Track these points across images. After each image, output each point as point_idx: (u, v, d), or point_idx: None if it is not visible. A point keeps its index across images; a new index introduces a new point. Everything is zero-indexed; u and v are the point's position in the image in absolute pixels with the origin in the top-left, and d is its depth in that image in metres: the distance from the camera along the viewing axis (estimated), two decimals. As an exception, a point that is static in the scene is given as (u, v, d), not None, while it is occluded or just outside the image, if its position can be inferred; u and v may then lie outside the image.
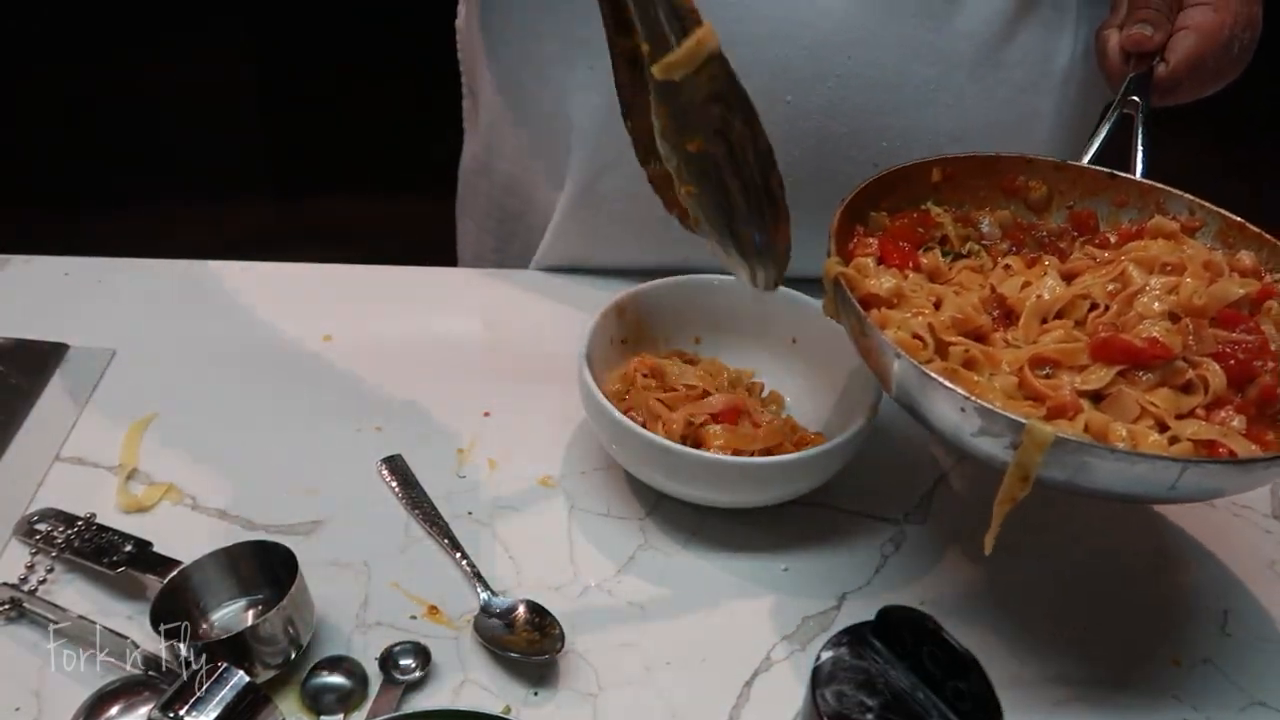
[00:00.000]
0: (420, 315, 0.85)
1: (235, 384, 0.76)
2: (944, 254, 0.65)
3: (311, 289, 0.86)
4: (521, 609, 0.61)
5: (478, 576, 0.63)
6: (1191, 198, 0.67)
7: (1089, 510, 0.71)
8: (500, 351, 0.82)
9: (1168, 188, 0.67)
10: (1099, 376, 0.55)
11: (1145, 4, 0.71)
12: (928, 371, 0.52)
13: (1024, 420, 0.50)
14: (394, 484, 0.69)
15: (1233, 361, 0.55)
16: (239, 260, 0.88)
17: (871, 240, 0.64)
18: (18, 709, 0.55)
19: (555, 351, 0.79)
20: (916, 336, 0.57)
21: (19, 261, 0.86)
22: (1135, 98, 0.68)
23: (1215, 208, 0.66)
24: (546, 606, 0.61)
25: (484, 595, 0.62)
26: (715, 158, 0.51)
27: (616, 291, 0.74)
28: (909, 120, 0.77)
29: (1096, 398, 0.55)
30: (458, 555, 0.64)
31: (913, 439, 0.76)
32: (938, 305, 0.59)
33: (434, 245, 1.09)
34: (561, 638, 0.59)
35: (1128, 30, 0.70)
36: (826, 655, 0.47)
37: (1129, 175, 0.68)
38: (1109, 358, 0.55)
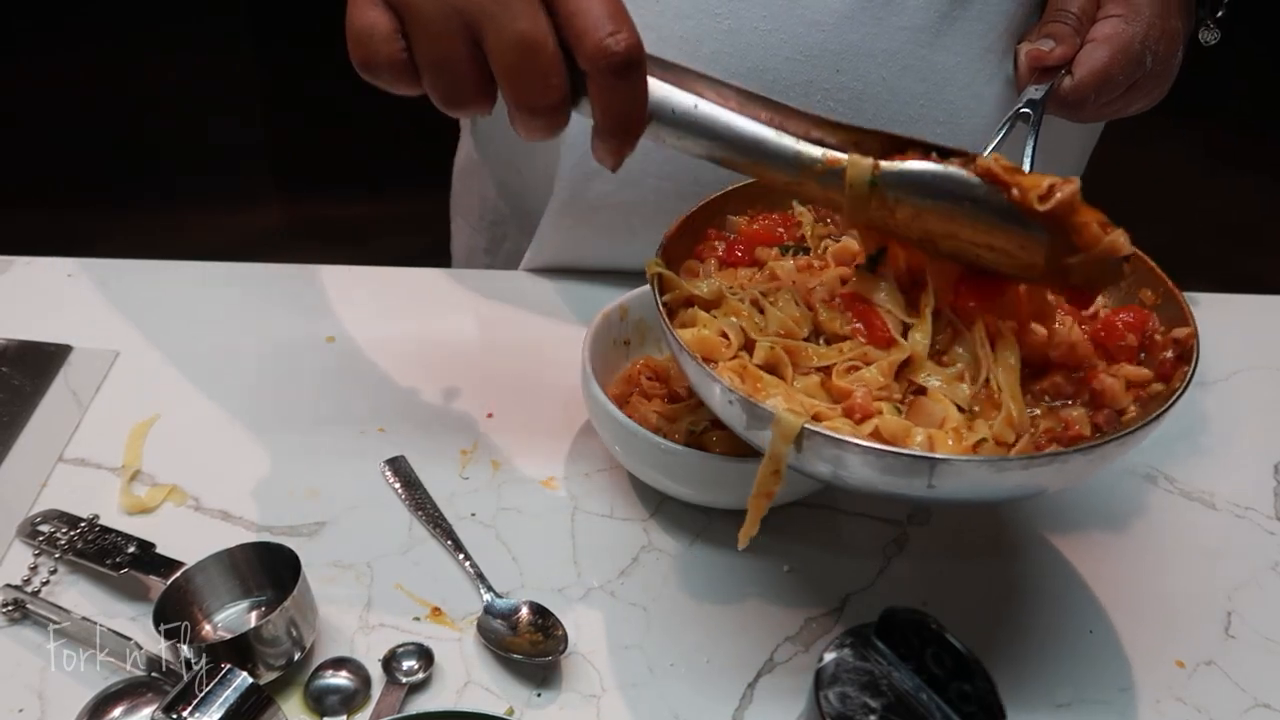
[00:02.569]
0: (424, 316, 0.85)
1: (238, 385, 0.76)
2: (786, 250, 0.65)
3: (315, 290, 0.86)
4: (525, 610, 0.61)
5: (481, 578, 0.63)
6: None
7: (1090, 511, 0.71)
8: (503, 353, 0.82)
9: None
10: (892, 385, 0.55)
11: (1056, 17, 0.69)
12: (701, 364, 0.53)
13: (772, 410, 0.50)
14: (397, 485, 0.69)
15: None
16: (242, 262, 0.88)
17: (719, 244, 0.65)
18: (21, 710, 0.55)
19: (557, 353, 0.79)
20: (723, 334, 0.57)
21: (22, 263, 0.87)
22: (1026, 109, 0.67)
23: None
24: (550, 608, 0.61)
25: (487, 596, 0.62)
26: None
27: (618, 293, 0.74)
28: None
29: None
30: (461, 556, 0.65)
31: (915, 440, 0.76)
32: (760, 309, 0.59)
33: (438, 246, 1.09)
34: (565, 639, 0.59)
35: (1029, 45, 0.69)
36: (830, 656, 0.47)
37: None
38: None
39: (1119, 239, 0.51)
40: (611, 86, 0.48)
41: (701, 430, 0.67)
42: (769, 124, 0.53)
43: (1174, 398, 0.53)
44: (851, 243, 0.62)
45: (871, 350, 0.56)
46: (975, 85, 0.77)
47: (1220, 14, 0.75)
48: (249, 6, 3.01)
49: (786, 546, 0.67)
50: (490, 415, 0.75)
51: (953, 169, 0.52)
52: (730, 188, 0.66)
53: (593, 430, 0.72)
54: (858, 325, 0.57)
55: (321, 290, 0.87)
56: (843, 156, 0.53)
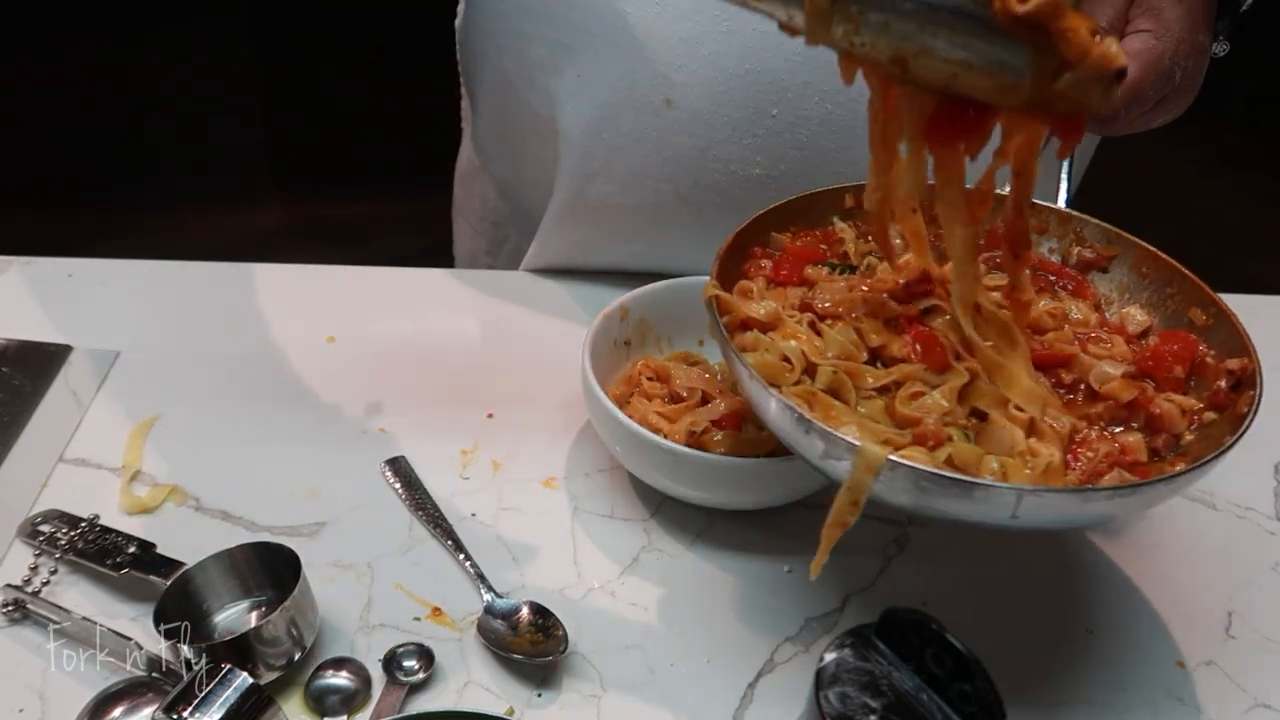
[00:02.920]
0: (424, 317, 0.85)
1: (239, 386, 0.76)
2: (834, 269, 0.64)
3: (315, 291, 0.86)
4: (525, 610, 0.61)
5: (481, 578, 0.63)
6: (1109, 227, 0.66)
7: (1092, 512, 0.71)
8: (503, 353, 0.82)
9: (1086, 217, 0.67)
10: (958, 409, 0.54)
11: None
12: (773, 392, 0.52)
13: (856, 442, 0.49)
14: (397, 485, 0.69)
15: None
16: (243, 262, 0.88)
17: (766, 262, 0.64)
18: (21, 710, 0.55)
19: (558, 353, 0.79)
20: (785, 359, 0.57)
21: (22, 263, 0.87)
22: None
23: (1132, 237, 0.66)
24: (550, 608, 0.61)
25: (487, 597, 0.62)
26: None
27: (618, 293, 0.74)
28: None
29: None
30: (461, 557, 0.65)
31: (915, 440, 0.76)
32: (816, 330, 0.59)
33: (439, 247, 1.09)
34: (565, 639, 0.59)
35: None
36: (830, 657, 0.47)
37: (1049, 204, 0.67)
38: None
39: (1111, 48, 0.44)
40: None
41: (702, 430, 0.67)
42: None
43: (1244, 425, 0.53)
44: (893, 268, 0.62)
45: (928, 373, 0.56)
46: None
47: (1236, 28, 0.75)
48: (249, 6, 3.01)
49: (787, 547, 0.67)
50: (490, 415, 0.75)
51: None
52: (773, 205, 0.65)
53: (593, 430, 0.72)
54: (916, 348, 0.57)
55: (321, 290, 0.87)
56: None
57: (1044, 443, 0.53)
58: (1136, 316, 0.63)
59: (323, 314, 0.83)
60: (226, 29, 2.94)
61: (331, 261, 0.89)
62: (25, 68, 2.67)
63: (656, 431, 0.65)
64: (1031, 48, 0.44)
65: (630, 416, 0.66)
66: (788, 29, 0.48)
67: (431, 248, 1.12)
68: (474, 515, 0.68)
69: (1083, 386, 0.58)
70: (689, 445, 0.65)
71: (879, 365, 0.58)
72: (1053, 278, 0.66)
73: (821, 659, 0.46)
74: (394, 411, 0.75)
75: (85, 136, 2.54)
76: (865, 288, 0.62)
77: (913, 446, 0.52)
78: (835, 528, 0.52)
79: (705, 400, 0.70)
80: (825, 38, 0.47)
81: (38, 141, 2.49)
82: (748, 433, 0.67)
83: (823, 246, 0.66)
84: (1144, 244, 0.65)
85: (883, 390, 0.56)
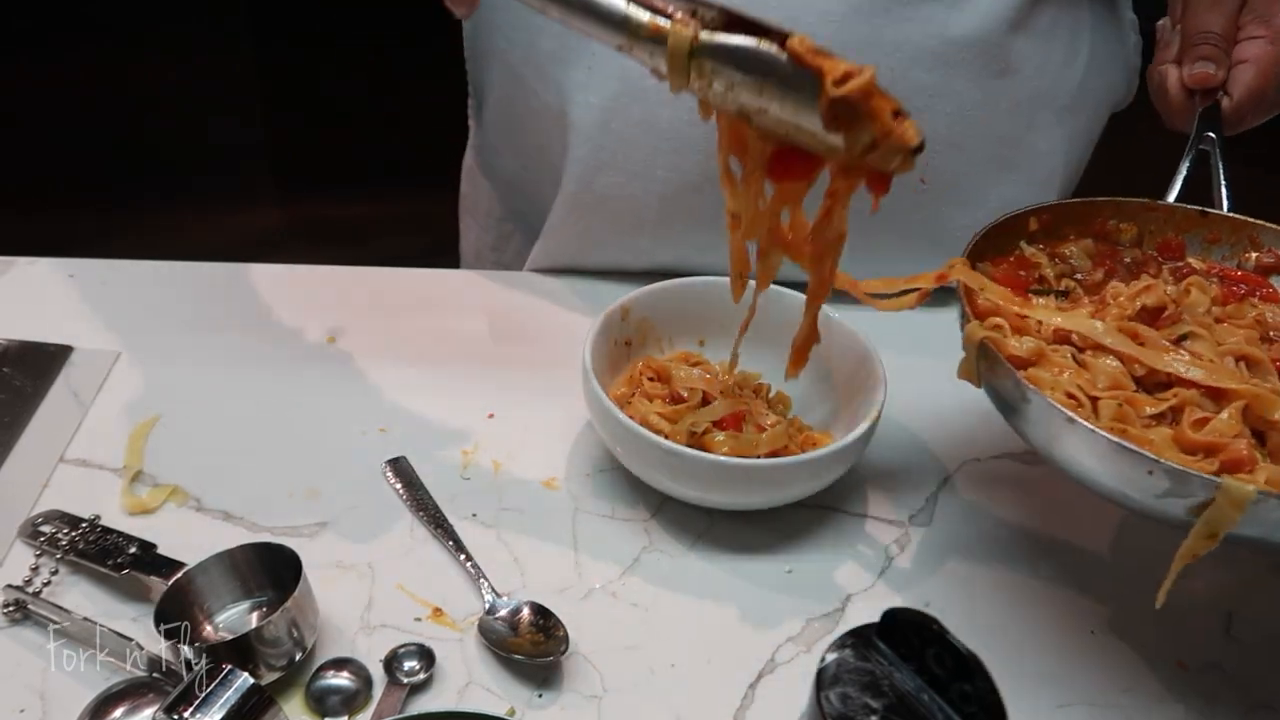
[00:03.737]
0: (424, 317, 0.85)
1: (239, 386, 0.76)
2: (1044, 293, 0.64)
3: (315, 290, 0.86)
4: (526, 611, 0.61)
5: (482, 578, 0.63)
6: None
7: (1092, 513, 0.71)
8: (504, 353, 0.82)
9: (1260, 221, 0.67)
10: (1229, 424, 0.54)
11: (1203, 40, 0.71)
12: (1105, 434, 0.51)
13: (1219, 480, 0.48)
14: (398, 486, 0.69)
15: None
16: (243, 262, 0.88)
17: (989, 298, 0.62)
18: (22, 710, 0.55)
19: (559, 353, 0.79)
20: (1070, 396, 0.55)
21: (23, 263, 0.87)
22: (1210, 134, 0.69)
23: None
24: (551, 608, 0.61)
25: (488, 597, 0.62)
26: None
27: (619, 293, 0.74)
28: None
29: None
30: (462, 557, 0.65)
31: (917, 441, 0.76)
32: (1075, 359, 0.58)
33: (439, 246, 1.09)
34: (566, 640, 0.59)
35: (1189, 68, 0.71)
36: (831, 657, 0.47)
37: (1218, 211, 0.68)
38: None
39: (909, 131, 0.51)
40: None
41: (703, 431, 0.67)
42: None
43: None
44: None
45: (1204, 397, 0.55)
46: (983, 77, 0.77)
47: None
48: (249, 6, 3.01)
49: (788, 547, 0.68)
50: (491, 415, 0.75)
51: (763, 46, 0.52)
52: (981, 233, 0.64)
53: (594, 431, 0.72)
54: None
55: (321, 290, 0.87)
56: (666, 24, 0.54)
57: None
58: None
59: (323, 314, 0.83)
60: (226, 29, 2.94)
61: (331, 261, 0.89)
62: (25, 68, 2.67)
63: (657, 432, 0.65)
64: (847, 120, 0.52)
65: (631, 417, 0.66)
66: (656, 75, 0.56)
67: (432, 247, 1.12)
68: (475, 515, 0.68)
69: None
70: (690, 446, 0.65)
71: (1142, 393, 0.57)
72: (1241, 287, 0.65)
73: (823, 659, 0.46)
74: (395, 411, 0.75)
75: (85, 136, 2.54)
76: (1112, 314, 0.61)
77: (1241, 474, 0.51)
78: (1186, 559, 0.52)
79: (706, 401, 0.70)
80: (685, 87, 0.55)
81: (38, 141, 2.49)
82: (748, 433, 0.67)
83: (1020, 273, 0.65)
84: None
85: (1158, 418, 0.55)
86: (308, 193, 2.50)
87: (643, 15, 0.54)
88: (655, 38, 0.54)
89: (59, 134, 2.54)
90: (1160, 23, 0.77)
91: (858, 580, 0.66)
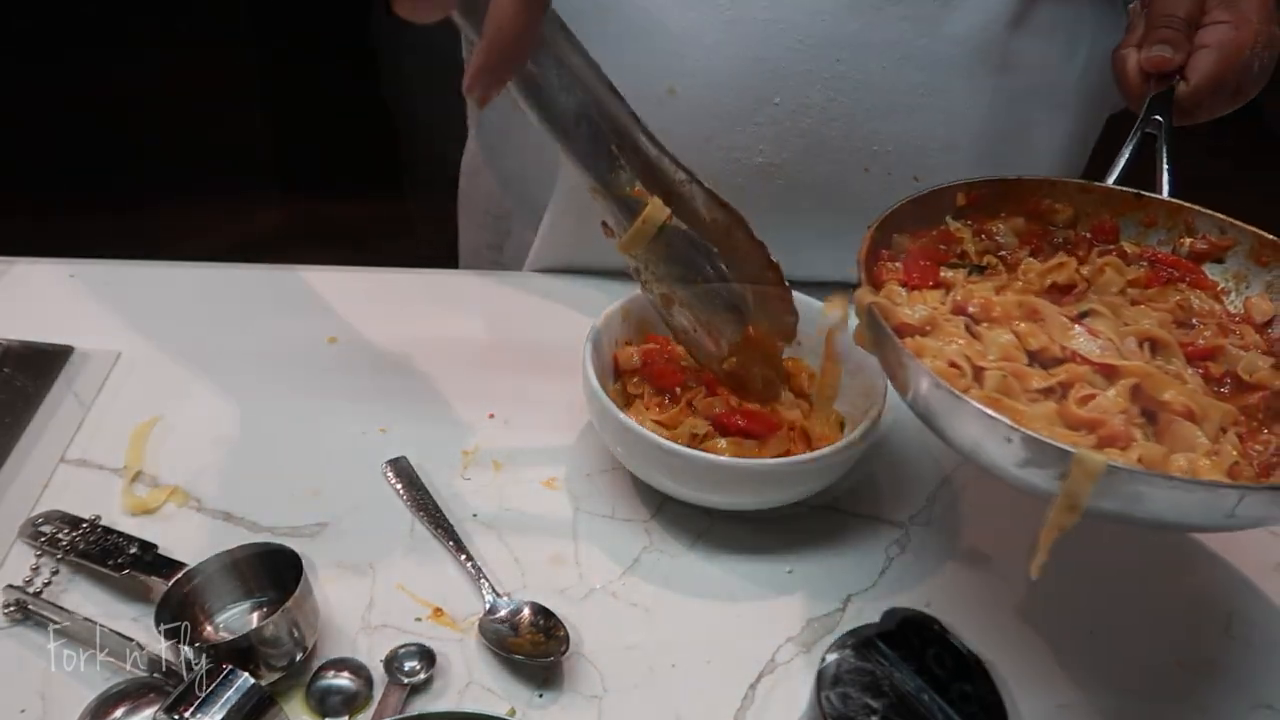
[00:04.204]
0: (425, 317, 0.85)
1: (240, 386, 0.76)
2: (968, 270, 0.64)
3: (316, 291, 0.86)
4: (526, 611, 0.61)
5: (483, 578, 0.63)
6: (1221, 216, 0.65)
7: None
8: (504, 354, 0.82)
9: (1196, 207, 0.66)
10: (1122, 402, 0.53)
11: (1164, 23, 0.70)
12: (968, 400, 0.50)
13: (1072, 449, 0.48)
14: (399, 486, 0.69)
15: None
16: (245, 263, 0.89)
17: (896, 265, 0.62)
18: (23, 710, 0.55)
19: (559, 353, 0.79)
20: (953, 364, 0.55)
21: (24, 264, 0.87)
22: (1157, 117, 0.68)
23: (1246, 225, 0.64)
24: (551, 609, 0.61)
25: (489, 597, 0.62)
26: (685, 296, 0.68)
27: (619, 294, 0.74)
28: (900, 125, 0.77)
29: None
30: (463, 557, 0.65)
31: (918, 442, 0.76)
32: (969, 330, 0.58)
33: (438, 247, 1.09)
34: (566, 640, 0.59)
35: (1147, 51, 0.70)
36: (832, 657, 0.47)
37: (1156, 195, 0.67)
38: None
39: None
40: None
41: (703, 432, 0.67)
42: (632, 127, 0.63)
43: None
44: (1035, 263, 0.63)
45: (1095, 374, 0.54)
46: (976, 75, 0.77)
47: None
48: (249, 6, 3.01)
49: (788, 547, 0.68)
50: (492, 416, 0.75)
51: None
52: (891, 209, 0.63)
53: (594, 431, 0.72)
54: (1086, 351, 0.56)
55: (322, 290, 0.87)
56: (647, 194, 0.62)
57: (1223, 438, 0.52)
58: (1261, 305, 0.62)
59: (323, 314, 0.83)
60: (226, 29, 2.94)
61: (331, 262, 0.89)
62: (25, 68, 2.67)
63: (658, 432, 0.65)
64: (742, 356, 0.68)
65: (631, 417, 0.66)
66: (607, 231, 0.65)
67: (431, 248, 1.12)
68: (475, 516, 0.68)
69: (1228, 379, 0.56)
70: (690, 446, 0.65)
71: (1036, 366, 0.56)
72: (1170, 272, 0.64)
73: (823, 659, 0.46)
74: (395, 412, 0.75)
75: (85, 137, 2.54)
76: (1016, 282, 0.61)
77: (1111, 449, 0.51)
78: (1053, 532, 0.51)
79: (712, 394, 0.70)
80: (634, 249, 0.65)
81: (38, 141, 2.49)
82: (749, 444, 0.67)
83: (942, 246, 0.65)
84: (1262, 232, 0.64)
85: (1046, 392, 0.55)
86: (308, 193, 2.50)
87: (629, 175, 0.63)
88: (635, 200, 0.64)
89: (59, 134, 2.53)
90: (1132, 5, 0.76)
91: (858, 580, 0.66)
